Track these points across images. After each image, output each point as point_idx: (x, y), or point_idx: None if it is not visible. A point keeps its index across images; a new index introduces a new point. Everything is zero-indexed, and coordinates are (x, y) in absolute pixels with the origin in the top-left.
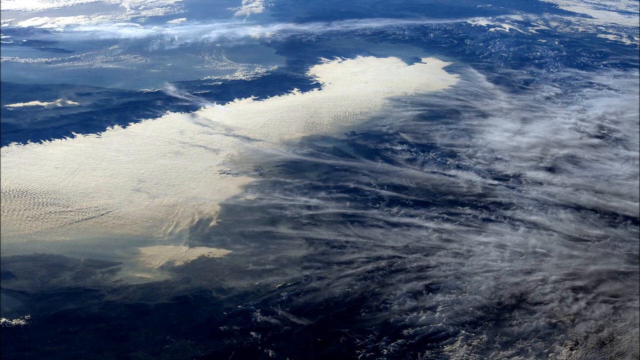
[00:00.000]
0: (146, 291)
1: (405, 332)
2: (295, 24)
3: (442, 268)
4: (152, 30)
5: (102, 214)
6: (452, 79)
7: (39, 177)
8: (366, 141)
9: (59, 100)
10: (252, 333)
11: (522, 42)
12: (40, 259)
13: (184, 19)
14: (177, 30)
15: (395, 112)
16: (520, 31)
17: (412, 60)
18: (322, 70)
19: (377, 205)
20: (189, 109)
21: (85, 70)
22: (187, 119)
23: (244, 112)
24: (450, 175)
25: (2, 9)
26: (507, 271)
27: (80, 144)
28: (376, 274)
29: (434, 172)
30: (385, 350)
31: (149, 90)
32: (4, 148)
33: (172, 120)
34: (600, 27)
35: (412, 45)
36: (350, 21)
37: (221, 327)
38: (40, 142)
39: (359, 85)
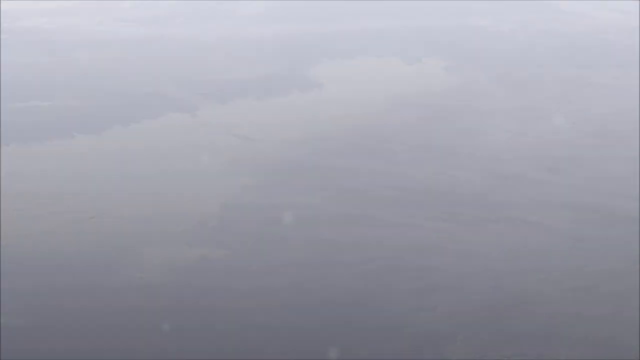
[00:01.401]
0: (146, 291)
1: (405, 332)
2: (295, 24)
3: (442, 268)
4: (152, 30)
5: (101, 214)
6: (452, 79)
7: (39, 177)
8: (366, 141)
9: (59, 100)
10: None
11: (522, 42)
12: (40, 259)
13: (183, 18)
14: (177, 30)
15: (396, 112)
16: (521, 31)
17: (412, 60)
18: (322, 71)
19: (377, 205)
20: (189, 109)
21: (86, 70)
22: (187, 119)
23: (244, 112)
24: (450, 175)
25: (2, 9)
26: (507, 271)
27: (80, 144)
28: (376, 274)
29: (434, 172)
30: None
31: (149, 90)
32: (4, 148)
33: (172, 120)
34: (601, 27)
35: (412, 45)
36: (350, 21)
37: None
38: (41, 142)
39: (359, 86)
